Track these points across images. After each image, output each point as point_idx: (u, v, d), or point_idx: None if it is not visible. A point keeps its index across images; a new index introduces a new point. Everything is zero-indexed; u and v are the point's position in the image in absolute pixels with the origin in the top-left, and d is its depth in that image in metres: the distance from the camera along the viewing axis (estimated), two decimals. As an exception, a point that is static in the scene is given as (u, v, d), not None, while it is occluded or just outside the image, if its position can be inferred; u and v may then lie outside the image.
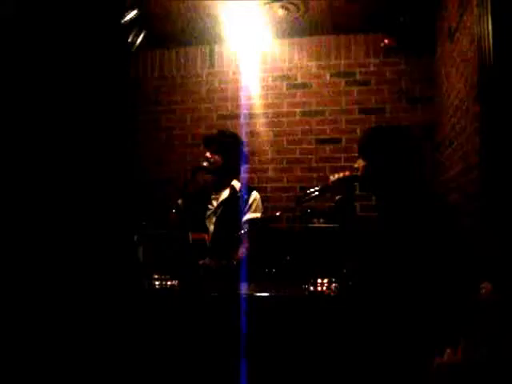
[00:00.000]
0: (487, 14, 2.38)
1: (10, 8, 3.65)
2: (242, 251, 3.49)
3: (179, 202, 3.73)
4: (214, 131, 4.21)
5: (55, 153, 4.06)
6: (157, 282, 2.75)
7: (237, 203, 3.67)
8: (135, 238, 3.08)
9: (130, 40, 4.34)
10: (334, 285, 2.48)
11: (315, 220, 2.64)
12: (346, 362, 2.33)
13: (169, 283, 2.75)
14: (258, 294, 2.61)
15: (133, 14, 4.07)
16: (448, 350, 1.87)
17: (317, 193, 2.84)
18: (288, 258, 2.98)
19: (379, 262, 2.54)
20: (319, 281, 2.49)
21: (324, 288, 2.49)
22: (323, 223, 2.61)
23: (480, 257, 2.30)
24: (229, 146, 3.73)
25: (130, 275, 2.86)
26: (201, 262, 3.22)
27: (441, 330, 2.12)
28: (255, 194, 3.73)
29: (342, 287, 2.47)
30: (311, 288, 2.50)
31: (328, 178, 2.81)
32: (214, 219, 3.68)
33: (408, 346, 2.19)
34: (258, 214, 3.65)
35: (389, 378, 2.21)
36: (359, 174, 2.79)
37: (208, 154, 3.69)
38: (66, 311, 2.82)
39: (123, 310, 2.68)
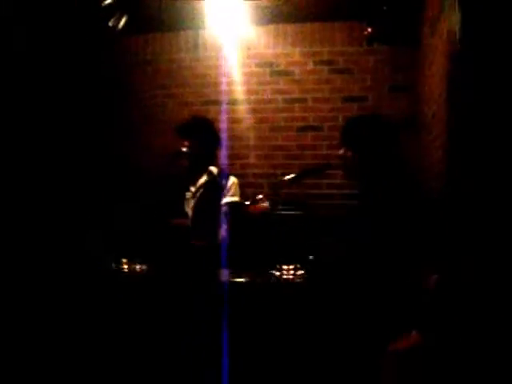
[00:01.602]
0: (456, 4, 2.39)
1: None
2: (223, 234, 3.51)
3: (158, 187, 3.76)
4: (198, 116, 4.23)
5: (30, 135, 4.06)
6: (125, 266, 2.77)
7: (215, 187, 3.70)
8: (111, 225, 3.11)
9: (111, 24, 4.31)
10: (299, 272, 2.50)
11: (282, 207, 2.66)
12: (307, 347, 2.36)
13: (138, 267, 2.77)
14: (226, 280, 2.63)
15: (113, -4, 4.04)
16: (400, 337, 1.90)
17: (292, 179, 2.86)
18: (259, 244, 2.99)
19: (348, 250, 2.57)
20: (285, 267, 2.51)
21: (290, 275, 2.51)
22: (290, 210, 2.63)
23: (436, 247, 2.33)
24: (203, 132, 3.76)
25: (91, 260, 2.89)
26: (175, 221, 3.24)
27: (398, 317, 2.15)
28: (233, 179, 3.77)
29: (308, 274, 2.49)
30: (277, 274, 2.52)
31: (309, 165, 2.84)
32: (192, 204, 3.70)
33: (366, 333, 2.22)
34: (237, 198, 3.68)
35: (346, 364, 2.24)
36: (346, 162, 2.82)
37: (186, 143, 3.69)
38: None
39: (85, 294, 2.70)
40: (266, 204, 3.01)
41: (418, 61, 4.58)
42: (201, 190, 3.72)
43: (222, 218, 3.55)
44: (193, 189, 3.73)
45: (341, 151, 2.90)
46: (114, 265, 2.80)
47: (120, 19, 4.36)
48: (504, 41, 2.23)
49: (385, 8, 4.47)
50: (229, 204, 3.62)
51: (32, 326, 2.85)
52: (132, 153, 5.06)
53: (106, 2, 4.00)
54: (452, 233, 2.25)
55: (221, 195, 3.66)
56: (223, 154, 4.22)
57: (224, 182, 3.71)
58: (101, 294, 2.72)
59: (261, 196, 3.12)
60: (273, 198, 2.84)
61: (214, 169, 3.76)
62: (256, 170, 5.01)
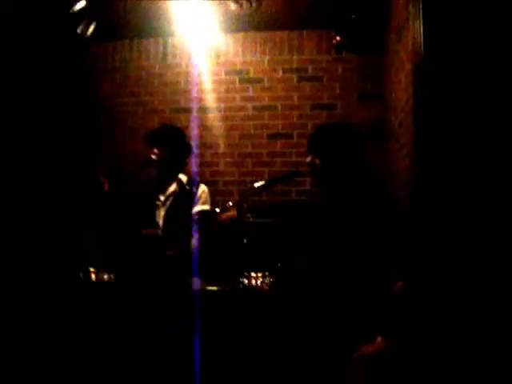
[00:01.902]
0: (420, 13, 2.43)
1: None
2: (195, 243, 3.48)
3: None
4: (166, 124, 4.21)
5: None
6: (93, 276, 2.74)
7: (185, 196, 3.67)
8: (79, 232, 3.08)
9: (79, 31, 4.29)
10: (267, 279, 2.51)
11: (249, 215, 2.67)
12: (276, 353, 2.36)
13: (105, 276, 2.74)
14: (197, 288, 2.63)
15: (81, 3, 4.02)
16: (364, 344, 1.92)
17: (261, 186, 2.87)
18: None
19: (315, 255, 2.58)
20: (253, 275, 2.51)
21: (258, 282, 2.52)
22: (256, 218, 2.64)
23: (400, 254, 2.35)
24: (173, 141, 3.72)
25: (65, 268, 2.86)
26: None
27: (364, 323, 2.17)
28: (203, 187, 3.74)
29: (276, 282, 2.50)
30: (246, 281, 2.53)
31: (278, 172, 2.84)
32: (162, 213, 3.66)
33: (332, 339, 2.24)
34: (207, 206, 3.66)
35: (314, 371, 2.25)
36: (314, 169, 2.84)
37: (155, 150, 3.66)
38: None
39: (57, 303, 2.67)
40: (233, 212, 3.01)
41: (385, 69, 4.64)
42: (170, 199, 3.69)
43: (193, 226, 3.52)
44: (162, 198, 3.70)
45: (308, 158, 2.92)
46: (81, 274, 2.77)
47: (88, 26, 4.34)
48: (466, 49, 2.28)
49: (353, 16, 4.53)
50: (199, 212, 3.60)
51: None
52: (100, 160, 5.01)
53: (75, 9, 3.98)
54: (418, 240, 2.28)
55: (191, 204, 3.64)
56: (193, 162, 4.22)
57: (194, 190, 3.69)
58: (68, 303, 2.69)
59: (231, 203, 3.12)
60: (242, 205, 2.84)
61: (183, 177, 3.73)
62: (226, 178, 5.01)
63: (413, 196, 2.75)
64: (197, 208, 3.63)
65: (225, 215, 3.13)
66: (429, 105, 2.33)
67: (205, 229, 3.45)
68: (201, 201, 3.66)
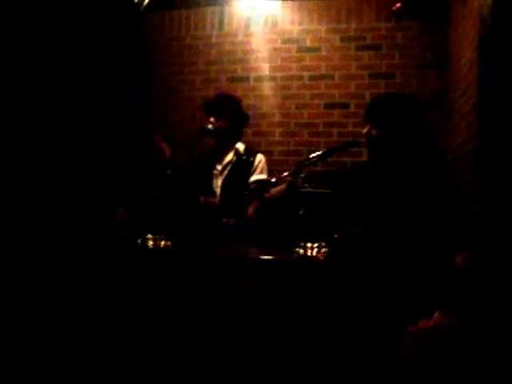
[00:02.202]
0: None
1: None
2: (251, 211, 3.50)
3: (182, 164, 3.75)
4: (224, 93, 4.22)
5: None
6: (150, 242, 2.78)
7: (242, 165, 3.68)
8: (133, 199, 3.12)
9: (136, 1, 4.31)
10: (323, 249, 2.50)
11: (307, 185, 2.65)
12: (328, 325, 2.36)
13: (163, 243, 2.78)
14: (250, 256, 2.64)
15: (139, -26, 4.03)
16: (421, 318, 1.90)
17: (318, 157, 2.85)
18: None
19: (373, 228, 2.55)
20: (309, 245, 2.50)
21: (314, 252, 2.51)
22: (315, 188, 2.62)
23: (462, 225, 2.30)
24: (230, 110, 3.71)
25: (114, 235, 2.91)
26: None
27: (421, 296, 2.14)
28: (260, 156, 3.74)
29: (332, 252, 2.49)
30: (301, 251, 2.52)
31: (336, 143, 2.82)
32: (219, 182, 3.69)
33: (387, 313, 2.22)
34: (264, 176, 3.67)
35: (368, 344, 2.24)
36: (371, 140, 2.80)
37: (212, 119, 3.66)
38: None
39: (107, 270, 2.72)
40: (281, 187, 3.00)
41: (447, 36, 4.51)
42: (228, 168, 3.71)
43: (249, 195, 3.55)
44: (219, 167, 3.72)
45: (365, 129, 2.88)
46: (139, 240, 2.81)
47: (145, -4, 4.36)
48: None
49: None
50: (256, 182, 3.61)
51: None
52: (158, 128, 5.07)
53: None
54: (485, 213, 2.22)
55: (248, 173, 3.66)
56: (249, 131, 4.21)
57: (251, 159, 3.69)
58: (124, 270, 2.74)
59: (286, 173, 3.11)
60: (297, 175, 2.82)
61: (240, 146, 3.73)
62: (281, 148, 4.99)
63: (477, 166, 2.68)
64: (253, 177, 3.65)
65: (275, 190, 3.12)
66: (495, 73, 2.25)
67: (260, 198, 3.46)
68: (258, 170, 3.67)
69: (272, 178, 3.36)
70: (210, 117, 3.67)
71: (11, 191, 3.63)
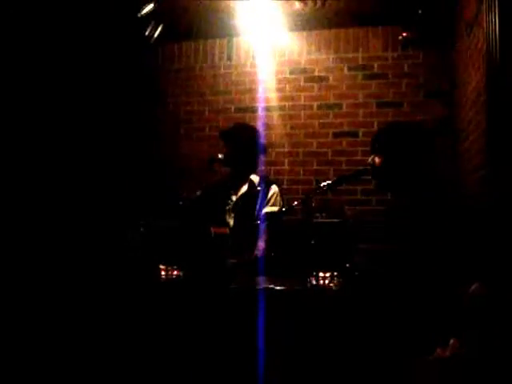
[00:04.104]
0: (495, 7, 2.36)
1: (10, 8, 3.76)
2: (261, 244, 3.49)
3: (198, 193, 3.75)
4: (232, 124, 4.23)
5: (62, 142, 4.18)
6: (163, 273, 2.79)
7: (256, 197, 3.64)
8: (141, 229, 3.13)
9: (147, 33, 4.39)
10: (335, 279, 2.49)
11: (318, 214, 2.65)
12: (341, 353, 2.35)
13: (175, 273, 2.79)
14: (262, 287, 2.64)
15: (149, 7, 4.11)
16: (438, 348, 1.88)
17: (329, 185, 2.85)
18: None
19: (386, 258, 2.55)
20: (321, 275, 2.50)
21: (326, 282, 2.51)
22: (326, 218, 2.62)
23: (475, 254, 2.29)
24: (247, 141, 3.71)
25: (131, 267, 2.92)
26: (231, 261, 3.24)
27: (434, 326, 2.12)
28: (274, 188, 3.70)
29: (345, 282, 2.48)
30: (314, 281, 2.52)
31: (344, 171, 2.82)
32: (232, 214, 3.68)
33: (401, 343, 2.20)
34: (276, 208, 3.61)
35: (381, 372, 2.22)
36: (376, 169, 2.79)
37: (228, 149, 3.68)
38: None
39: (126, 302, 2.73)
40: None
41: (453, 65, 4.54)
42: (242, 200, 3.69)
43: (260, 228, 3.51)
44: (234, 198, 3.72)
45: (370, 159, 2.87)
46: (152, 269, 2.82)
47: (155, 28, 4.44)
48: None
49: (420, 12, 4.44)
50: (267, 214, 3.58)
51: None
52: (167, 158, 5.12)
53: (143, 12, 4.07)
54: (497, 240, 2.21)
55: (259, 205, 3.62)
56: (262, 161, 4.22)
57: (265, 190, 3.65)
58: (138, 299, 2.75)
59: (296, 203, 3.12)
60: (309, 204, 2.82)
61: (255, 177, 3.73)
62: (291, 177, 5.01)
63: (487, 194, 2.68)
64: (265, 209, 3.61)
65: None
66: (504, 99, 2.26)
67: (272, 230, 3.45)
68: (270, 202, 3.63)
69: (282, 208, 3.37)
70: (226, 144, 3.69)
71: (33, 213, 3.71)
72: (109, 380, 2.75)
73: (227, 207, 3.70)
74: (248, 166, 3.74)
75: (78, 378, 2.79)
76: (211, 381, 2.57)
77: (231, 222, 3.65)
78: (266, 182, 3.73)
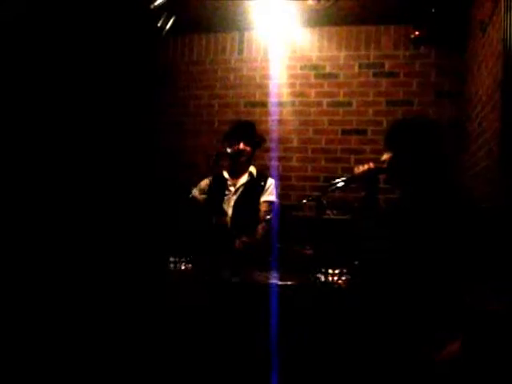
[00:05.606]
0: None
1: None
2: (260, 231, 3.62)
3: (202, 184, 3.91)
4: (242, 118, 4.24)
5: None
6: (172, 265, 2.80)
7: (255, 187, 3.80)
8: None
9: (159, 25, 4.39)
10: (344, 276, 2.49)
11: (329, 211, 2.64)
12: (348, 350, 2.35)
13: (183, 266, 2.79)
14: (274, 282, 2.64)
15: (161, -1, 4.10)
16: (448, 345, 1.88)
17: (342, 183, 2.83)
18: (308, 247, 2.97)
19: (395, 255, 2.54)
20: (330, 271, 2.50)
21: (335, 279, 2.51)
22: (337, 215, 2.61)
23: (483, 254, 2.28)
24: (255, 136, 3.85)
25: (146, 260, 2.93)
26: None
27: (441, 323, 2.12)
28: (271, 180, 3.86)
29: (353, 279, 2.48)
30: (322, 278, 2.52)
31: (352, 169, 2.80)
32: (232, 202, 3.78)
33: (409, 340, 2.20)
34: (273, 197, 3.78)
35: (383, 369, 2.22)
36: (385, 166, 2.77)
37: (242, 146, 3.75)
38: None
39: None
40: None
41: (466, 65, 4.52)
42: (241, 189, 3.81)
43: (260, 215, 3.68)
44: (232, 188, 3.82)
45: (384, 156, 2.86)
46: (160, 263, 2.83)
47: (167, 20, 4.43)
48: None
49: (433, 10, 4.42)
50: (265, 202, 3.76)
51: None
52: (175, 151, 5.13)
53: (155, 4, 4.06)
54: (507, 242, 2.20)
55: (259, 195, 3.78)
56: (267, 156, 4.24)
57: (262, 183, 3.81)
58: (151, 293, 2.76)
59: (305, 201, 3.12)
60: (321, 201, 2.82)
61: (253, 169, 3.87)
62: (299, 173, 5.02)
63: (499, 195, 2.67)
64: (263, 198, 3.77)
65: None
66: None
67: (280, 222, 3.50)
68: (267, 192, 3.79)
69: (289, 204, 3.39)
70: (238, 141, 3.75)
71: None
72: (114, 375, 2.75)
73: (226, 196, 3.81)
74: (249, 159, 3.85)
75: (81, 375, 2.80)
76: (218, 375, 2.58)
77: (230, 210, 3.76)
78: (263, 176, 3.89)
